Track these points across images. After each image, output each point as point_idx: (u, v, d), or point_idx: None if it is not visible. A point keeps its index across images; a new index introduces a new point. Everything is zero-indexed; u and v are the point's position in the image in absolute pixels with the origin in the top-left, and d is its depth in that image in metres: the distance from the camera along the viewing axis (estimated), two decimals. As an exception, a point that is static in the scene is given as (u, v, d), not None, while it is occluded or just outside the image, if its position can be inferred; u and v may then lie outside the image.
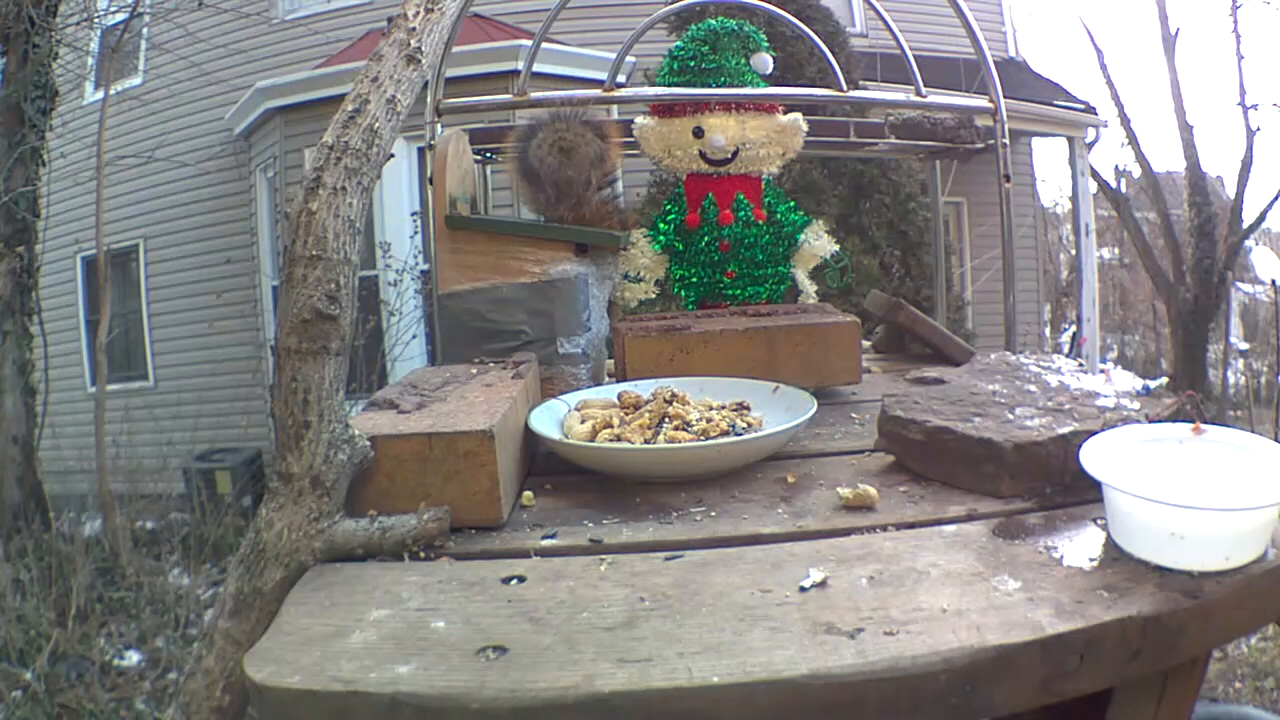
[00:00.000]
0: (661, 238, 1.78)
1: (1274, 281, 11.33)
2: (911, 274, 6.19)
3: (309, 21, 8.70)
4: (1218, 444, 0.85)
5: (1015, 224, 1.85)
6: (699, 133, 1.72)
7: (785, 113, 1.76)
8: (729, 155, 1.73)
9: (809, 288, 1.82)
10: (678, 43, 1.77)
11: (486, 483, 0.94)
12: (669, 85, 1.74)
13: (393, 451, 0.94)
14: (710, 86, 1.70)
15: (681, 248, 1.78)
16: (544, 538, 0.93)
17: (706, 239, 1.75)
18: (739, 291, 1.78)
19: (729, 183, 1.75)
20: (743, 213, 1.74)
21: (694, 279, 1.79)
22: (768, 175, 1.80)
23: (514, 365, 1.30)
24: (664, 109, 1.76)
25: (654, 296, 1.81)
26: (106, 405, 5.51)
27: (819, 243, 1.79)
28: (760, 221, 1.75)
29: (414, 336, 6.85)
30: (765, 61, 1.75)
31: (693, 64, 1.72)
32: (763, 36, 1.76)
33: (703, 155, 1.73)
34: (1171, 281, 11.11)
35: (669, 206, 1.81)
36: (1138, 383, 1.14)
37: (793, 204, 1.82)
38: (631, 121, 1.82)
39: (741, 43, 1.74)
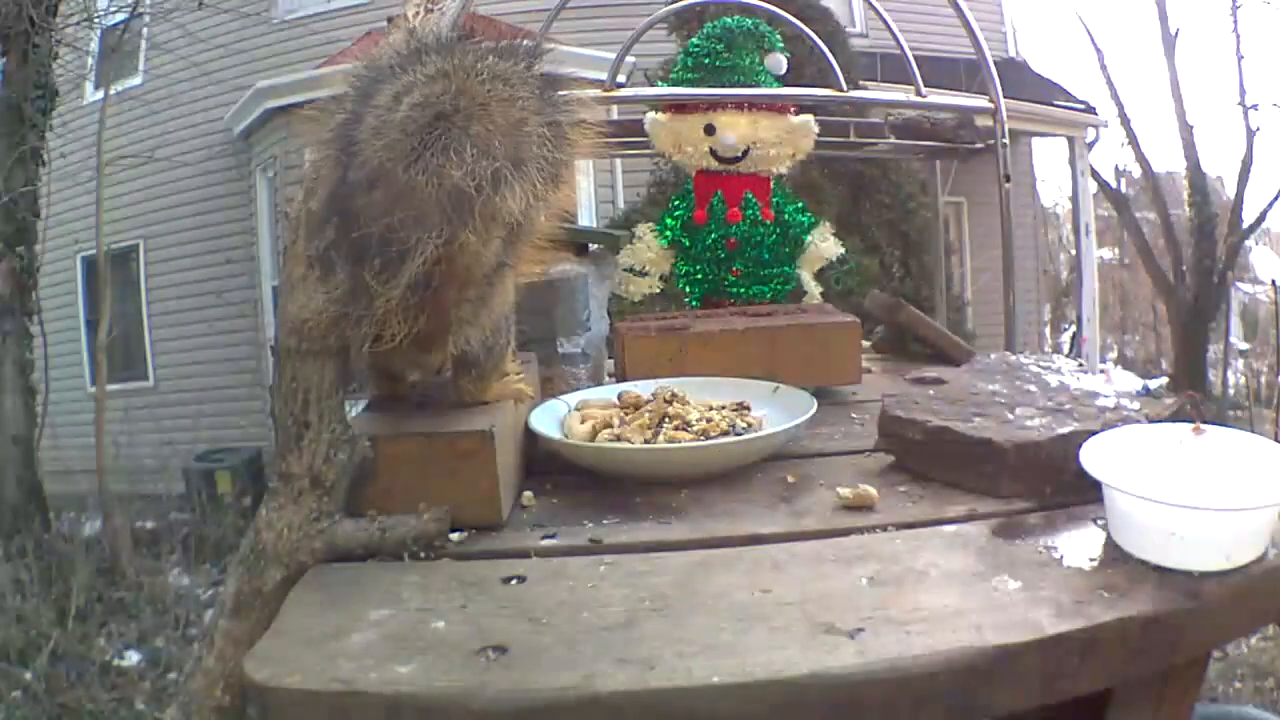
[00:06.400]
0: (668, 233, 1.78)
1: (1274, 281, 11.32)
2: (911, 274, 6.20)
3: (309, 21, 8.69)
4: (1218, 444, 0.85)
5: (1015, 224, 1.85)
6: (710, 130, 1.73)
7: (797, 114, 1.76)
8: (739, 154, 1.73)
9: (814, 289, 1.82)
10: (693, 39, 1.78)
11: (486, 483, 0.94)
12: (682, 80, 1.75)
13: (393, 451, 0.94)
14: (724, 84, 1.71)
15: (688, 244, 1.78)
16: (544, 538, 0.92)
17: (713, 236, 1.75)
18: (743, 290, 1.78)
19: (738, 181, 1.75)
20: (750, 211, 1.74)
21: (699, 275, 1.80)
22: (777, 175, 1.80)
23: (514, 365, 1.30)
24: (676, 105, 1.77)
25: (658, 291, 1.81)
26: (106, 405, 5.51)
27: (826, 245, 1.79)
28: (768, 221, 1.75)
29: (414, 337, 6.84)
30: (780, 61, 1.75)
31: (707, 61, 1.73)
32: (777, 36, 1.77)
33: (713, 152, 1.74)
34: (1171, 281, 11.09)
35: (676, 202, 1.82)
36: (1138, 383, 1.14)
37: (801, 204, 1.83)
38: (632, 122, 1.82)
39: (756, 42, 1.75)
